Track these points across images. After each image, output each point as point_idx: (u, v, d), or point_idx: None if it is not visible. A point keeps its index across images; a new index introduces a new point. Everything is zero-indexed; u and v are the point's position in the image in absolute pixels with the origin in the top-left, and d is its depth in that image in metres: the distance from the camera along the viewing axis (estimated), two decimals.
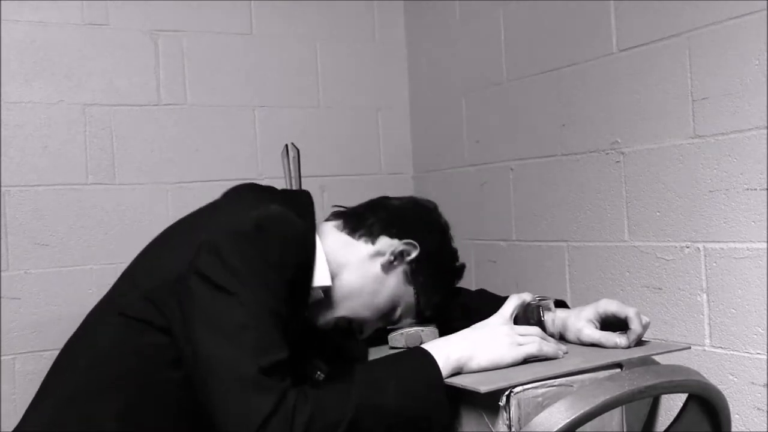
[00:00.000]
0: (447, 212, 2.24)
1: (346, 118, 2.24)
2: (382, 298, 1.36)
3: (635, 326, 1.29)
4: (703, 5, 1.44)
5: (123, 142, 1.94)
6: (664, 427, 1.33)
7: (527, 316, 1.30)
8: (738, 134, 1.40)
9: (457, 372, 1.17)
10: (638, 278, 1.61)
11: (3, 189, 1.81)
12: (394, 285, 1.37)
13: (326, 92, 2.21)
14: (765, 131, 1.35)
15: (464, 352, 1.18)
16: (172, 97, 2.01)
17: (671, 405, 1.48)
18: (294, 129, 2.13)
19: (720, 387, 1.19)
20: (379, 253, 1.36)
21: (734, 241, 1.41)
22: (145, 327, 1.18)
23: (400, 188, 2.26)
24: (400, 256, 1.36)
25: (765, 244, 1.36)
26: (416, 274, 1.38)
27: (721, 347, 1.45)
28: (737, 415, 1.40)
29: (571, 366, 1.18)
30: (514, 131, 1.94)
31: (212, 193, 1.99)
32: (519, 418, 1.10)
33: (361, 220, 1.39)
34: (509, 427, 1.10)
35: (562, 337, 1.34)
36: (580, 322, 1.32)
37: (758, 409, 1.39)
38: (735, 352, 1.42)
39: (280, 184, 1.84)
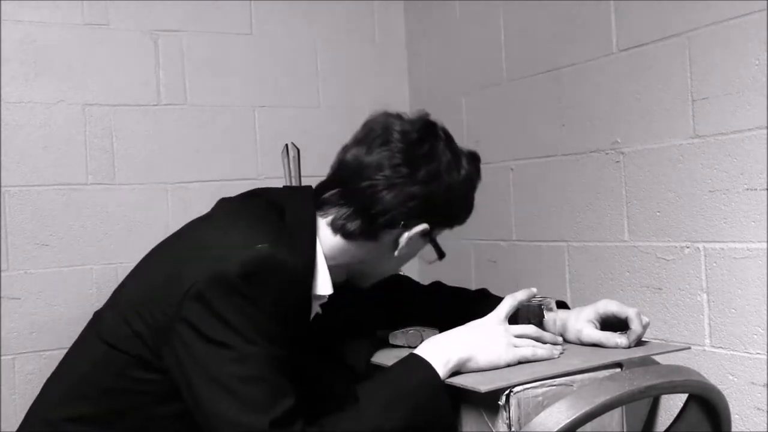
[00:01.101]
0: None
1: (346, 118, 2.24)
2: (404, 261, 1.36)
3: (635, 326, 1.29)
4: (703, 5, 1.44)
5: (123, 142, 1.94)
6: (664, 427, 1.33)
7: (528, 315, 1.30)
8: (738, 134, 1.40)
9: (455, 373, 1.17)
10: (638, 278, 1.61)
11: (3, 189, 1.81)
12: (412, 249, 1.32)
13: (326, 92, 2.21)
14: (765, 131, 1.35)
15: (462, 354, 1.18)
16: (172, 97, 2.01)
17: (671, 405, 1.48)
18: (294, 129, 2.12)
19: (720, 387, 1.19)
20: (384, 244, 1.27)
21: (734, 241, 1.41)
22: (137, 362, 1.17)
23: None
24: (408, 237, 1.26)
25: (765, 244, 1.36)
26: (432, 230, 1.28)
27: (721, 347, 1.45)
28: (737, 415, 1.40)
29: (571, 366, 1.18)
30: (514, 131, 1.93)
31: (212, 193, 1.99)
32: (519, 417, 1.10)
33: (350, 229, 1.25)
34: (509, 426, 1.10)
35: (562, 338, 1.34)
36: (580, 322, 1.33)
37: (758, 409, 1.39)
38: (735, 352, 1.42)
39: (280, 184, 1.84)
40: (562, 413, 1.00)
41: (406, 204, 1.23)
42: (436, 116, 2.21)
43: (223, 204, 1.33)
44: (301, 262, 1.19)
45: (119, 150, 1.93)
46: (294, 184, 1.85)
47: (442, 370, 1.15)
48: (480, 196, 2.06)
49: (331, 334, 1.39)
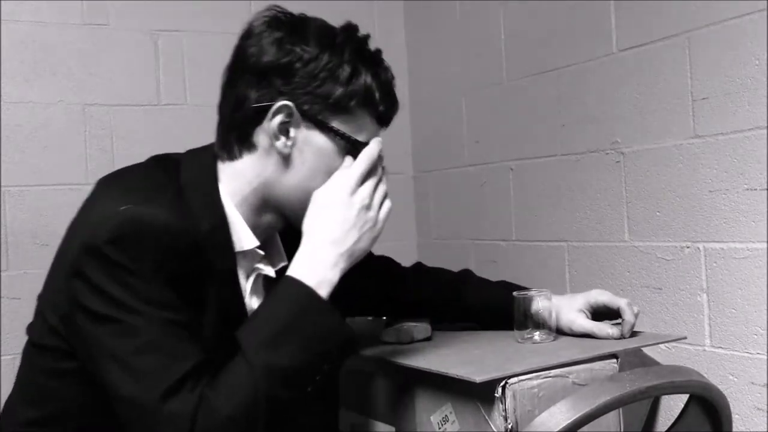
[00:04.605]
0: (447, 212, 2.24)
1: None
2: (313, 167, 1.17)
3: (627, 316, 1.27)
4: (703, 5, 1.44)
5: (123, 142, 1.94)
6: (665, 428, 1.33)
7: (515, 307, 1.29)
8: (738, 134, 1.40)
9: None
10: (638, 278, 1.61)
11: (3, 189, 1.81)
12: (308, 145, 1.17)
13: None
14: (765, 131, 1.35)
15: (334, 266, 1.09)
16: (172, 97, 2.01)
17: (671, 405, 1.48)
18: None
19: (720, 387, 1.19)
20: (268, 148, 1.17)
21: (734, 241, 1.41)
22: (61, 355, 1.13)
23: (400, 188, 2.26)
24: (285, 127, 1.15)
25: (765, 244, 1.36)
26: (317, 110, 1.17)
27: (721, 347, 1.45)
28: (737, 415, 1.40)
29: (567, 357, 1.17)
30: (514, 131, 1.94)
31: None
32: (515, 409, 1.09)
33: (228, 147, 1.21)
34: (506, 418, 1.09)
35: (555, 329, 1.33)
36: (572, 312, 1.31)
37: (758, 409, 1.39)
38: (735, 352, 1.42)
39: None
40: (562, 414, 1.00)
41: (248, 90, 1.18)
42: (436, 116, 2.23)
43: (100, 179, 1.26)
44: (181, 217, 1.09)
45: (119, 150, 1.93)
46: None
47: (324, 292, 1.07)
48: (480, 195, 2.07)
49: None
